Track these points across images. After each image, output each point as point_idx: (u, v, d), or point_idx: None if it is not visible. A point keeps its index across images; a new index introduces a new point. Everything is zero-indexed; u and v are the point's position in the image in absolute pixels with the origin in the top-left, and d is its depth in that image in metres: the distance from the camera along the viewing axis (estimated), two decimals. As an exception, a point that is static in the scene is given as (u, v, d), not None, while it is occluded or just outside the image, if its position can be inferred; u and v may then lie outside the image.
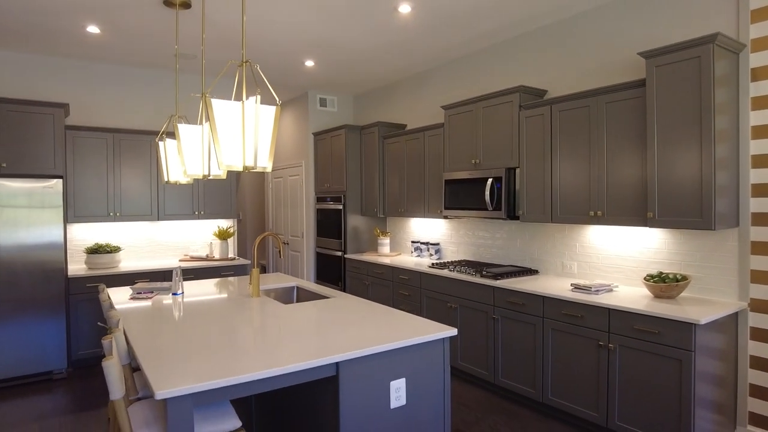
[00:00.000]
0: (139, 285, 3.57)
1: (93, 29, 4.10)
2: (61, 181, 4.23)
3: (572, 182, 3.58)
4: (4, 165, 4.12)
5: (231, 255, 5.46)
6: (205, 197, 5.30)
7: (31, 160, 4.22)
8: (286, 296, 3.75)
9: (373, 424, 2.19)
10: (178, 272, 3.37)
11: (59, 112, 4.34)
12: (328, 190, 6.14)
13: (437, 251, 5.15)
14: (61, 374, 4.27)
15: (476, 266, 4.34)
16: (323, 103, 6.57)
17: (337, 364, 2.09)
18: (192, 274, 4.95)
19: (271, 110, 2.24)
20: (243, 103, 2.14)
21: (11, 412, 3.59)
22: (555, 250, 4.09)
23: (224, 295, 3.33)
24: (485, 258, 4.72)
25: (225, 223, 5.68)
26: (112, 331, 2.23)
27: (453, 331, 2.43)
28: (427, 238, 5.43)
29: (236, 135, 2.16)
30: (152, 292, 3.38)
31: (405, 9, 3.76)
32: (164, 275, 4.78)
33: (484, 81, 4.74)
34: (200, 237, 5.57)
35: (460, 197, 4.40)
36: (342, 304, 3.02)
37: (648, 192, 3.10)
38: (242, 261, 5.23)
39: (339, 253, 5.89)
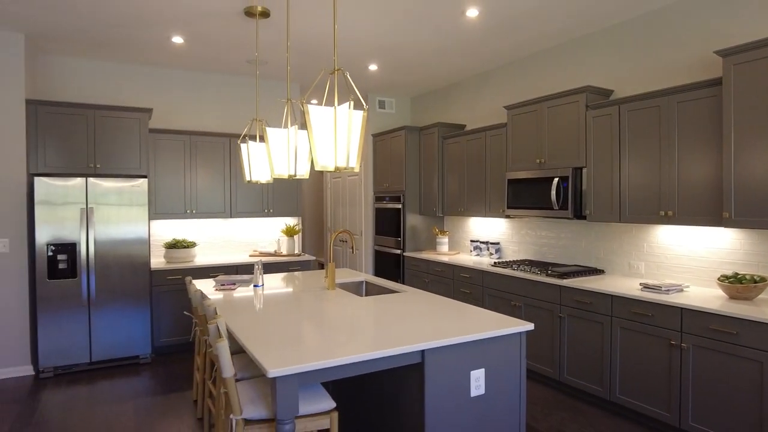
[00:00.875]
0: (220, 277, 3.83)
1: (177, 39, 4.41)
2: (146, 180, 4.58)
3: (641, 182, 3.58)
4: (98, 165, 4.50)
5: (297, 251, 5.71)
6: (273, 196, 5.57)
7: (120, 161, 4.59)
8: (355, 290, 3.92)
9: (454, 410, 2.31)
10: (259, 265, 3.60)
11: (144, 116, 4.70)
12: (387, 189, 6.30)
13: (497, 250, 5.21)
14: (146, 359, 4.62)
15: (540, 265, 4.38)
16: (382, 105, 6.73)
17: (422, 351, 2.22)
18: (264, 267, 5.21)
19: (359, 115, 2.40)
20: (335, 108, 2.31)
21: (108, 391, 3.93)
22: (622, 250, 4.08)
23: (301, 288, 3.53)
24: (548, 257, 4.74)
25: (291, 221, 5.94)
26: (213, 318, 2.45)
27: (530, 326, 2.51)
28: (487, 238, 5.49)
29: (329, 138, 2.33)
30: (234, 284, 3.63)
31: (473, 13, 3.86)
32: (237, 269, 5.07)
33: (548, 81, 4.77)
34: (268, 234, 5.85)
35: (523, 197, 4.45)
36: (415, 298, 3.15)
37: (723, 192, 3.06)
38: (308, 257, 5.46)
39: (397, 251, 6.04)
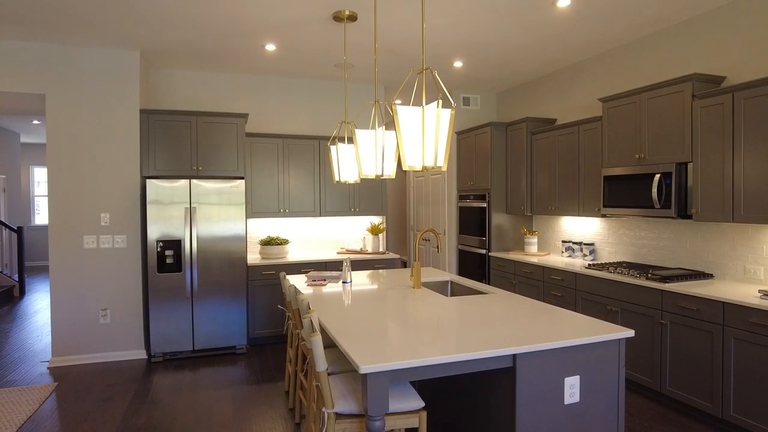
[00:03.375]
0: (311, 273, 3.98)
1: (270, 47, 4.64)
2: (243, 181, 4.87)
3: (760, 177, 3.21)
4: (201, 168, 4.86)
5: (381, 249, 5.80)
6: (359, 196, 5.69)
7: (219, 164, 4.92)
8: (440, 290, 3.90)
9: (546, 417, 2.22)
10: (348, 263, 3.70)
11: (241, 121, 5.00)
12: (472, 188, 6.20)
13: (592, 252, 4.94)
14: (242, 350, 4.91)
15: (640, 268, 4.09)
16: (466, 102, 6.64)
17: (514, 355, 2.16)
18: (350, 264, 5.35)
19: (447, 113, 2.38)
20: (423, 108, 2.31)
21: (209, 377, 4.24)
22: (735, 252, 3.70)
23: (387, 286, 3.58)
24: (648, 260, 4.42)
25: (376, 220, 6.03)
26: (307, 313, 2.55)
27: (630, 332, 2.35)
28: (580, 238, 5.22)
29: (417, 137, 2.33)
30: (324, 280, 3.76)
31: (564, 2, 3.68)
32: (325, 265, 5.24)
33: (647, 70, 4.43)
34: (354, 232, 5.99)
35: (620, 194, 4.18)
36: (504, 300, 3.07)
37: None
38: (392, 255, 5.52)
39: (482, 251, 5.92)
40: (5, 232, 8.43)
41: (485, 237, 5.88)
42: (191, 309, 4.71)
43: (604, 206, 4.35)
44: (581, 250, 5.05)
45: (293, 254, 5.66)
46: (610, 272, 4.10)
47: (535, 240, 5.53)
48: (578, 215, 4.83)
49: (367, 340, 2.23)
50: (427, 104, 2.34)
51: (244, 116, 4.99)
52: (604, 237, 4.90)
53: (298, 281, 3.86)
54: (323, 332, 2.96)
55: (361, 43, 4.56)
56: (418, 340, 2.21)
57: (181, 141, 4.81)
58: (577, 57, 5.10)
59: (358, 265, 5.36)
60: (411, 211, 7.92)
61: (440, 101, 2.25)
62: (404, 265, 8.42)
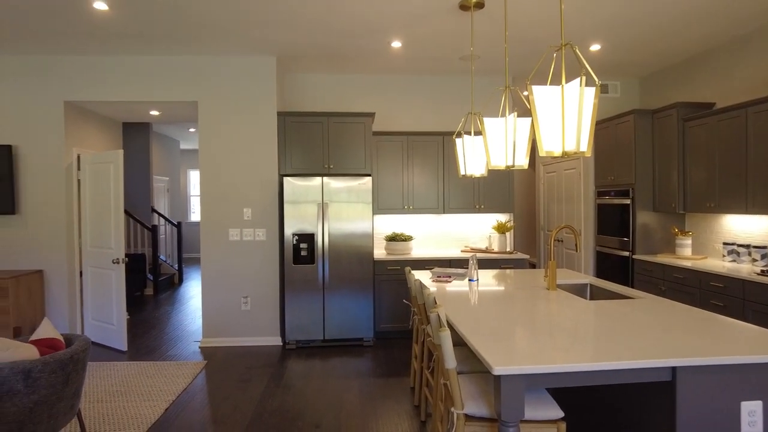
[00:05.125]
0: (437, 269, 3.90)
1: (396, 44, 4.66)
2: (370, 178, 4.96)
3: None
4: (331, 166, 5.05)
5: (508, 248, 5.53)
6: (485, 192, 5.49)
7: (348, 162, 5.07)
8: (578, 292, 3.58)
9: (717, 446, 1.88)
10: (474, 260, 3.55)
11: (368, 120, 5.10)
12: (612, 183, 5.64)
13: (764, 256, 4.18)
14: (369, 342, 5.00)
15: (834, 276, 3.36)
16: (604, 89, 6.07)
17: (673, 368, 1.86)
18: (477, 263, 5.18)
19: (591, 92, 2.13)
20: (563, 86, 2.10)
21: (338, 367, 4.37)
22: None
23: (517, 286, 3.36)
24: None
25: (503, 217, 5.78)
26: (434, 308, 2.47)
27: (833, 352, 1.90)
28: (747, 239, 4.47)
29: (556, 121, 2.13)
30: (450, 277, 3.66)
31: (734, -39, 3.15)
32: (449, 263, 5.13)
33: None
34: (480, 230, 5.80)
35: (807, 187, 3.47)
36: (654, 306, 2.70)
37: None
38: (520, 255, 5.23)
39: (624, 253, 5.35)
40: (168, 226, 9.65)
41: (628, 238, 5.30)
42: (322, 300, 4.91)
43: (785, 201, 3.65)
44: (749, 254, 4.31)
45: (417, 251, 5.64)
46: (794, 280, 3.42)
47: (688, 241, 4.85)
48: (746, 213, 4.12)
49: (498, 340, 2.08)
50: (566, 83, 2.13)
51: (371, 115, 5.08)
52: (783, 238, 4.12)
53: (423, 277, 3.81)
54: (450, 329, 2.86)
55: (487, 32, 4.37)
56: (555, 345, 2.01)
57: (314, 140, 5.05)
58: (739, 29, 4.36)
59: (483, 265, 5.17)
60: (541, 209, 7.47)
61: (584, 78, 2.02)
62: (533, 266, 7.97)
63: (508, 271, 4.12)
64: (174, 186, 10.85)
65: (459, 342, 2.99)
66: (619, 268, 5.45)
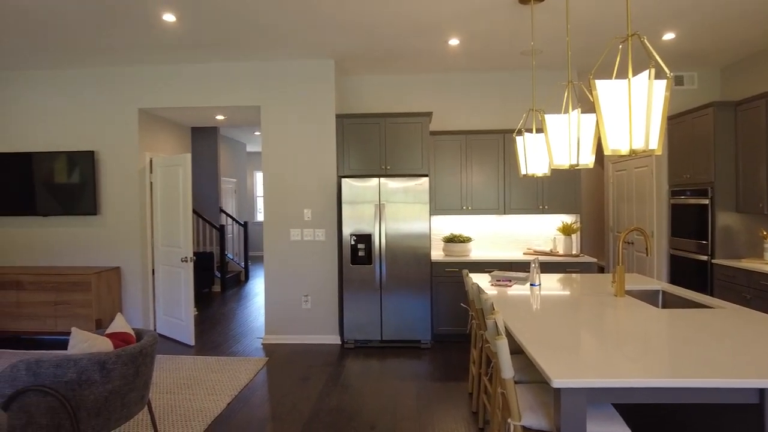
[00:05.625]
0: (496, 273, 3.79)
1: (453, 41, 4.58)
2: (427, 179, 4.90)
3: None
4: (388, 167, 5.05)
5: (575, 251, 5.29)
6: (549, 192, 5.27)
7: (405, 163, 5.04)
8: (650, 300, 3.35)
9: (812, 477, 1.68)
10: (536, 263, 3.42)
11: (425, 120, 5.04)
12: (688, 181, 5.25)
13: None
14: (427, 344, 4.95)
15: None
16: (679, 81, 5.67)
17: (761, 391, 1.68)
18: (539, 266, 5.00)
19: (662, 85, 1.97)
20: (629, 79, 1.96)
21: (395, 368, 4.36)
22: None
23: (583, 292, 3.19)
24: None
25: (568, 219, 5.53)
26: (491, 314, 2.39)
27: None
28: None
29: (623, 117, 1.99)
30: (510, 281, 3.54)
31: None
32: (510, 266, 4.98)
33: None
34: (543, 231, 5.59)
35: None
36: (737, 317, 2.47)
37: None
38: (588, 258, 4.98)
39: (703, 258, 4.96)
40: (235, 226, 10.05)
41: (707, 240, 4.91)
42: (380, 300, 4.91)
43: None
44: None
45: (476, 252, 5.52)
46: None
47: (779, 245, 4.41)
48: None
49: (559, 350, 1.97)
50: (634, 76, 1.98)
51: (428, 115, 5.02)
52: None
53: (481, 280, 3.71)
54: (508, 336, 2.76)
55: (549, 26, 4.19)
56: (623, 357, 1.88)
57: (371, 142, 5.06)
58: None
59: (547, 268, 4.97)
60: (610, 209, 7.10)
61: (653, 70, 1.87)
62: (601, 270, 7.58)
63: (573, 275, 3.94)
64: (241, 187, 11.30)
65: (518, 349, 2.88)
66: (696, 273, 5.06)
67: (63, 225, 5.38)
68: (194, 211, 8.72)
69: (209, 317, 6.41)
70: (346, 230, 4.92)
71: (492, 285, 3.47)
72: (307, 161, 5.14)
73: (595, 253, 8.20)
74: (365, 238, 4.91)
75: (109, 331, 2.90)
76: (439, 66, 5.40)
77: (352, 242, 4.91)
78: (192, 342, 5.09)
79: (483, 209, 5.33)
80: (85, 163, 5.22)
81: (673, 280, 5.49)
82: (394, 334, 4.93)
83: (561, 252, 5.21)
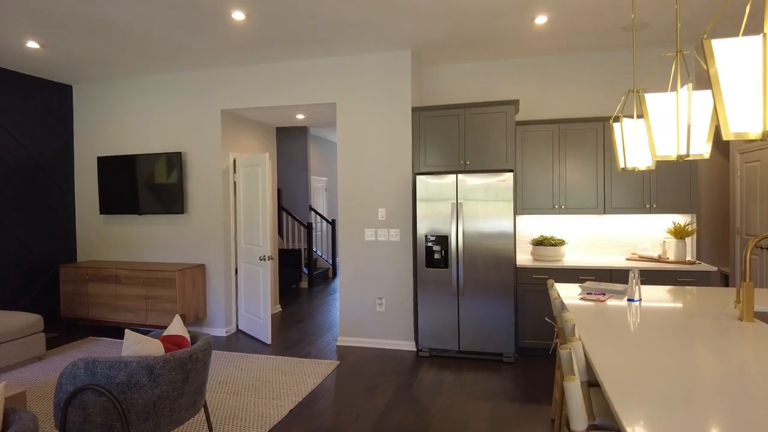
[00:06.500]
0: (588, 284, 3.25)
1: (541, 19, 4.05)
2: (511, 174, 4.42)
3: None
4: (468, 162, 4.64)
5: (689, 257, 4.49)
6: (658, 188, 4.52)
7: (487, 157, 4.59)
8: (790, 325, 2.63)
9: None
10: (636, 274, 2.85)
11: (510, 109, 4.55)
12: None
13: None
14: (509, 358, 4.48)
15: None
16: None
17: None
18: (642, 276, 4.31)
19: (813, 43, 1.42)
20: (765, 37, 1.43)
21: (471, 383, 3.97)
22: None
23: (696, 311, 2.59)
24: None
25: (682, 219, 4.72)
26: (569, 339, 1.96)
27: None
28: None
29: (750, 89, 1.46)
30: (604, 294, 3.00)
31: None
32: (610, 274, 4.34)
33: None
34: (651, 234, 4.83)
35: None
36: None
37: None
38: (706, 267, 4.19)
39: None
40: (324, 224, 10.16)
41: None
42: (457, 307, 4.54)
43: None
44: None
45: (570, 257, 4.91)
46: None
47: None
48: None
49: (652, 394, 1.50)
50: (771, 33, 1.44)
51: (514, 103, 4.53)
52: None
53: (570, 291, 3.20)
54: (590, 368, 2.28)
55: (661, -9, 3.52)
56: (747, 412, 1.37)
57: (450, 135, 4.69)
58: None
59: (654, 277, 4.26)
60: (737, 208, 6.02)
61: (801, 20, 1.34)
62: (725, 280, 6.48)
63: (687, 288, 3.27)
64: (332, 185, 11.42)
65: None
66: None
67: (156, 223, 5.67)
68: (284, 209, 8.91)
69: (292, 314, 6.45)
70: (421, 231, 4.60)
71: (581, 298, 2.96)
72: (381, 158, 4.90)
73: (719, 260, 7.05)
74: (441, 239, 4.55)
75: (166, 333, 2.87)
76: (527, 50, 4.86)
77: (427, 243, 4.58)
78: (269, 340, 5.09)
79: (579, 208, 4.71)
80: (173, 164, 5.44)
81: (826, 295, 4.45)
82: (473, 345, 4.52)
83: (672, 258, 4.45)
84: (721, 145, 7.10)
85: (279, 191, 8.78)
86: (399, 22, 4.08)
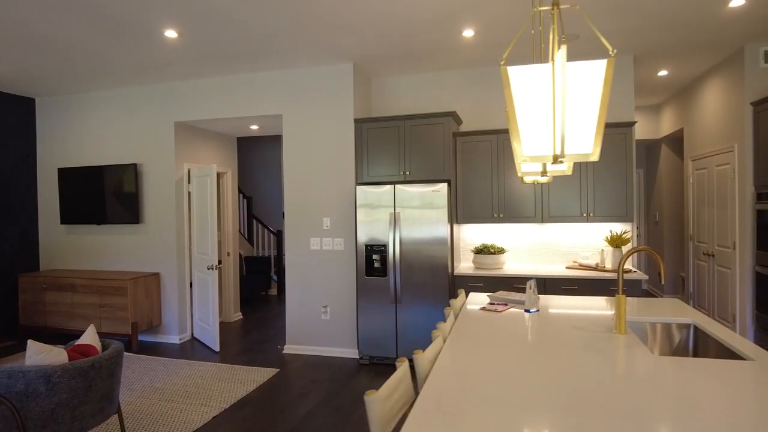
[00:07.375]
0: (499, 294, 3.32)
1: (468, 32, 4.13)
2: (446, 185, 4.49)
3: None
4: (408, 173, 4.72)
5: (628, 266, 4.54)
6: (596, 197, 4.58)
7: (427, 168, 4.67)
8: (672, 338, 2.69)
9: None
10: (533, 285, 2.92)
11: (448, 120, 4.63)
12: (778, 183, 4.26)
13: None
14: (447, 366, 4.54)
15: None
16: (772, 59, 4.63)
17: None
18: (575, 284, 4.36)
19: (600, 66, 1.50)
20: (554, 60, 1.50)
21: (401, 392, 4.03)
22: None
23: (582, 323, 2.65)
24: None
25: (620, 228, 4.78)
26: (415, 353, 2.03)
27: None
28: None
29: (541, 114, 1.54)
30: (506, 305, 3.07)
31: None
32: (544, 282, 4.40)
33: None
34: (593, 242, 4.88)
35: None
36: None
37: None
38: (639, 275, 4.23)
39: (794, 277, 3.98)
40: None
41: (798, 256, 3.93)
42: (395, 314, 4.61)
43: None
44: None
45: (511, 265, 4.98)
46: None
47: None
48: None
49: (461, 400, 1.57)
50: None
51: (451, 114, 4.61)
52: None
53: (484, 301, 3.27)
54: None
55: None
56: (547, 420, 1.44)
57: (391, 146, 4.77)
58: None
59: (588, 286, 4.32)
60: (690, 215, 6.07)
61: (564, 48, 1.42)
62: (683, 285, 6.48)
63: (593, 298, 3.33)
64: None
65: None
66: (788, 296, 4.07)
67: (115, 233, 5.79)
68: (254, 216, 9.01)
69: (252, 321, 6.53)
70: (361, 239, 4.68)
71: (481, 309, 3.02)
72: (326, 169, 4.99)
73: (681, 266, 7.09)
74: (380, 248, 4.63)
75: (78, 342, 2.96)
76: (466, 61, 4.94)
77: (367, 252, 4.66)
78: (217, 348, 5.18)
79: (518, 217, 4.78)
80: (130, 175, 5.55)
81: (760, 304, 4.49)
82: (411, 352, 4.59)
83: (609, 267, 4.50)
84: (678, 150, 7.15)
85: (250, 199, 8.89)
86: (333, 36, 4.17)
